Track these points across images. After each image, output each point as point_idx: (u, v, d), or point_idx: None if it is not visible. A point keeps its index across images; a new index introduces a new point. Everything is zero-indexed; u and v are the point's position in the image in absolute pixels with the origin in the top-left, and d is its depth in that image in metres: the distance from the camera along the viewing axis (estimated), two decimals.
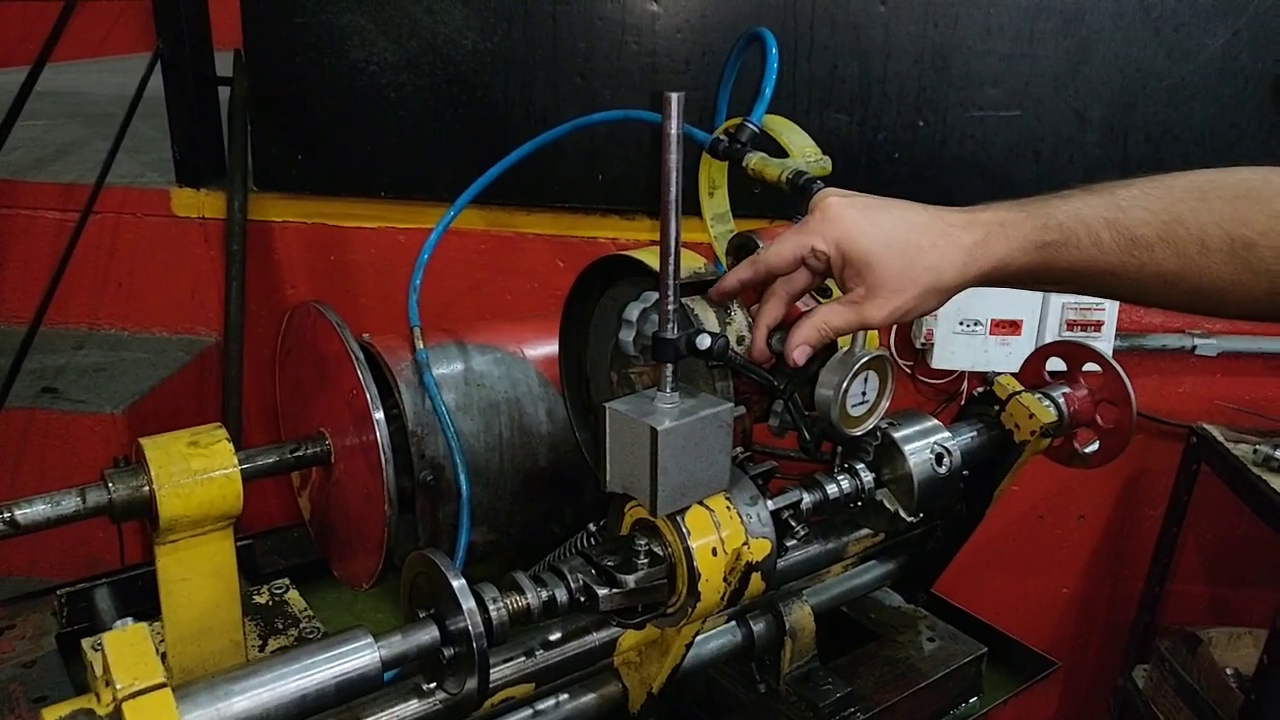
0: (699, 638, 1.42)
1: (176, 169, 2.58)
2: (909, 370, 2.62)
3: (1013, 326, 2.51)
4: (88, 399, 2.35)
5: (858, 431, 1.32)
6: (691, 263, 1.53)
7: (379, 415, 1.23)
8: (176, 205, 2.61)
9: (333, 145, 2.58)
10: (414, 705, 1.08)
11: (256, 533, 1.84)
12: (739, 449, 1.28)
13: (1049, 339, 2.53)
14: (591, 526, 1.18)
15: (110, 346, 2.58)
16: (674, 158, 1.04)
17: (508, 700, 1.16)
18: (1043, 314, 2.52)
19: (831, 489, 1.32)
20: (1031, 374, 1.68)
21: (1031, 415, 1.47)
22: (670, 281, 1.09)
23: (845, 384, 1.26)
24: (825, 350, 1.24)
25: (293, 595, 1.55)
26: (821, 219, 1.14)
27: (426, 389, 1.69)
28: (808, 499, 1.29)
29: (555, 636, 1.20)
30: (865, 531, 1.50)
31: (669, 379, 1.12)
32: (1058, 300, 2.50)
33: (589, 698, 1.32)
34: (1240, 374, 2.66)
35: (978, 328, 2.51)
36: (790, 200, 1.41)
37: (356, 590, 1.42)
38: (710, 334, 1.11)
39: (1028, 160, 2.50)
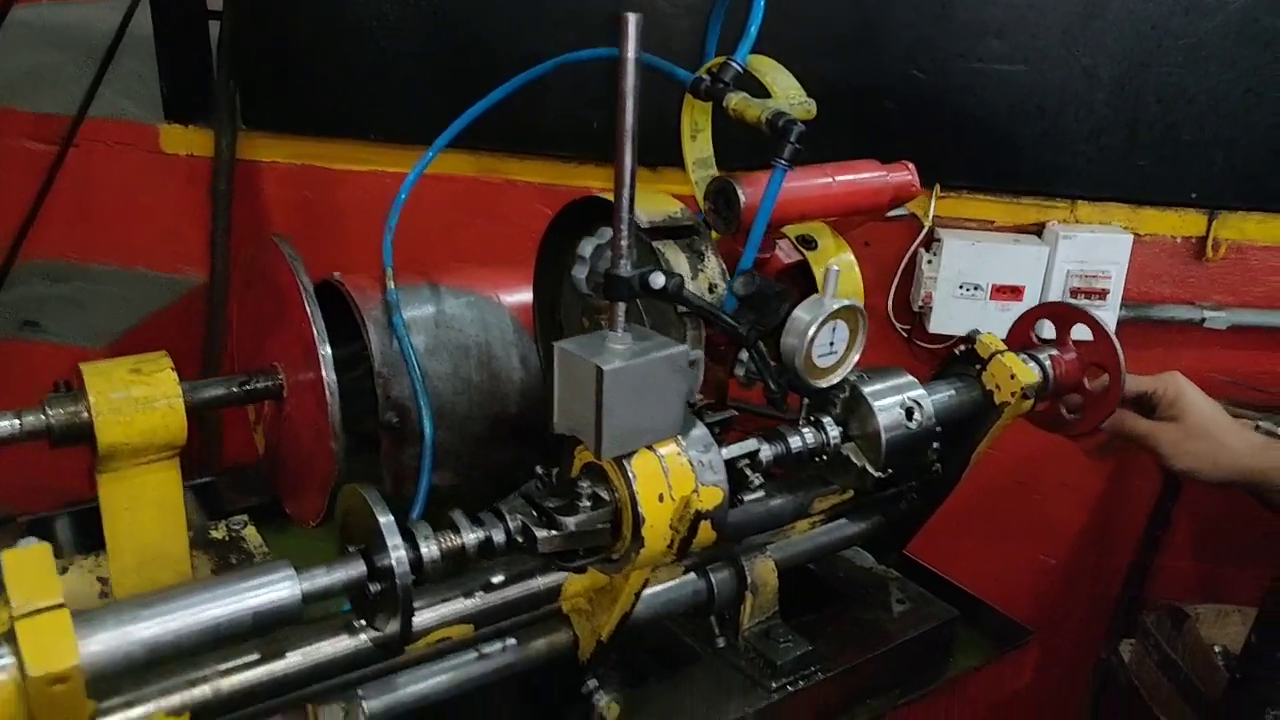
0: (658, 588, 1.39)
1: (165, 105, 2.54)
2: (906, 333, 2.57)
3: (1014, 291, 2.45)
4: (70, 333, 2.33)
5: (824, 383, 1.28)
6: (665, 206, 1.48)
7: (325, 350, 1.20)
8: (165, 141, 2.57)
9: (322, 85, 2.53)
10: (344, 641, 1.05)
11: (224, 468, 1.82)
12: (699, 397, 1.24)
13: None
14: (539, 469, 1.14)
15: (93, 281, 2.56)
16: (630, 82, 0.99)
17: (445, 640, 1.13)
18: (1046, 278, 2.46)
19: (795, 441, 1.28)
20: (1020, 337, 1.63)
21: (1013, 375, 1.42)
22: (624, 214, 1.04)
23: (812, 332, 1.22)
24: (793, 296, 1.19)
25: (250, 532, 1.52)
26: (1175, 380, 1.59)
27: (394, 330, 1.65)
28: (767, 450, 1.25)
29: (498, 579, 1.16)
30: (834, 488, 1.46)
31: (620, 318, 1.08)
32: (1062, 265, 2.44)
33: (539, 643, 1.29)
34: (1248, 347, 2.59)
35: (978, 292, 2.45)
36: (769, 142, 1.35)
37: (305, 527, 1.39)
38: (665, 273, 1.07)
39: (1031, 118, 2.42)
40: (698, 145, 1.60)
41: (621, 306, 1.07)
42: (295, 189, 2.60)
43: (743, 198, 1.37)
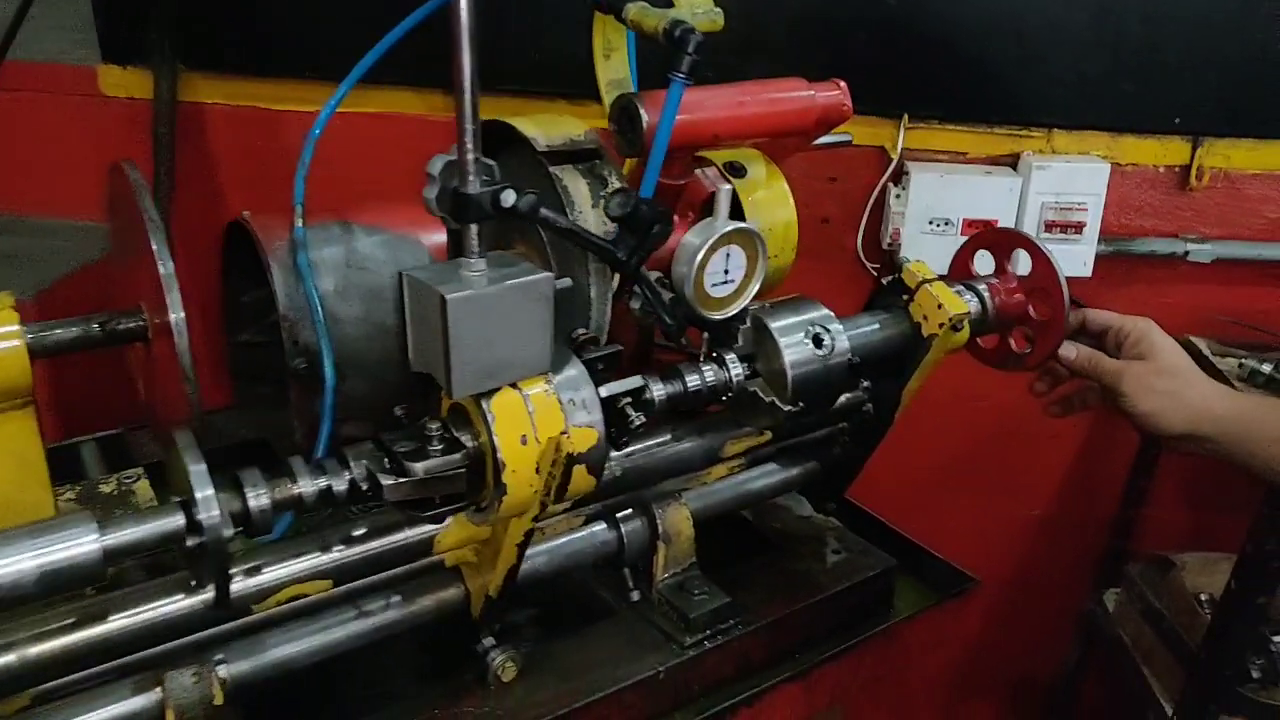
0: (560, 539, 1.31)
1: (101, 44, 2.43)
2: (875, 272, 2.45)
3: (987, 226, 2.32)
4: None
5: (720, 315, 1.18)
6: (566, 128, 1.38)
7: (174, 294, 1.10)
8: (104, 83, 2.46)
9: (265, 20, 2.42)
10: (180, 601, 0.97)
11: (133, 423, 1.75)
12: (580, 332, 1.15)
13: None
14: (398, 410, 1.05)
15: (30, 233, 2.47)
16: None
17: (300, 597, 1.05)
18: (1020, 212, 2.33)
19: (692, 379, 1.18)
20: (960, 269, 1.52)
21: (940, 305, 1.31)
22: (466, 124, 0.94)
23: (700, 257, 1.12)
24: (676, 221, 1.09)
25: (142, 485, 1.45)
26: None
27: (299, 270, 1.57)
28: (659, 389, 1.15)
29: (359, 531, 1.08)
30: (748, 430, 1.36)
31: (474, 242, 0.98)
32: (1036, 197, 2.30)
33: (426, 600, 1.21)
34: (1236, 283, 2.46)
35: (948, 227, 2.32)
36: (666, 53, 1.24)
37: None
38: (516, 189, 0.96)
39: (1008, 42, 2.27)
40: (611, 65, 1.49)
41: (474, 229, 0.98)
42: (241, 132, 2.49)
43: (645, 116, 1.26)
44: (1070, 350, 1.44)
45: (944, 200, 2.30)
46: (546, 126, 1.36)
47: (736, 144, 1.47)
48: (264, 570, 1.02)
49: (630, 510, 1.34)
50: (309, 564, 1.05)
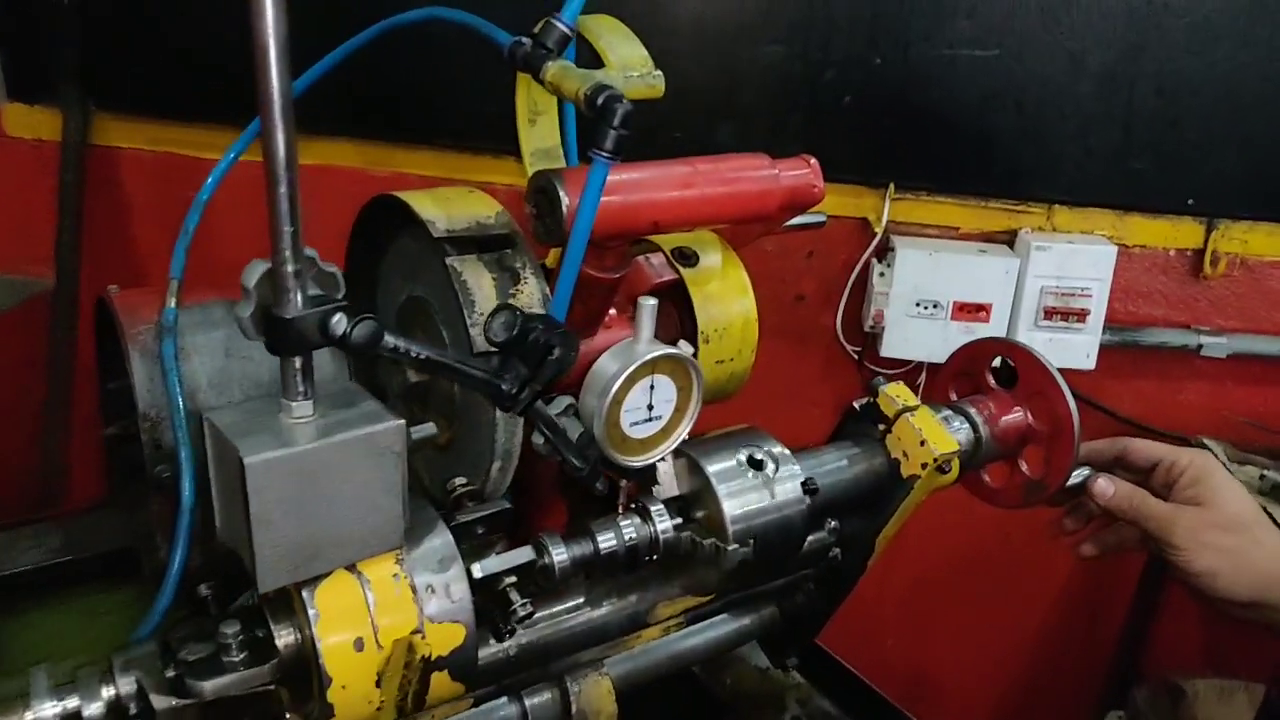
0: (465, 714, 1.04)
1: (7, 81, 2.20)
2: (856, 356, 2.21)
3: (979, 311, 2.09)
4: None
5: (641, 461, 0.93)
6: (474, 208, 1.14)
7: None
8: (9, 123, 2.23)
9: (183, 62, 2.19)
10: None
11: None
12: (460, 481, 0.90)
13: (1023, 329, 2.11)
14: (203, 588, 0.79)
15: None
16: (270, 15, 0.64)
17: None
18: (1016, 296, 2.10)
19: (606, 539, 0.92)
20: (948, 385, 1.28)
21: (924, 442, 1.06)
22: (284, 226, 0.69)
23: (614, 390, 0.87)
24: (572, 342, 0.83)
25: None
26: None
27: (163, 360, 1.32)
28: (561, 554, 0.89)
29: None
30: (682, 590, 1.10)
31: (297, 379, 0.73)
32: (1035, 280, 2.07)
33: None
34: (1255, 381, 2.22)
35: (938, 310, 2.09)
36: (590, 125, 1.00)
37: None
38: (351, 312, 0.71)
39: (1007, 111, 2.06)
40: (538, 132, 1.26)
41: (296, 363, 0.72)
42: (157, 180, 2.26)
43: (564, 199, 1.02)
44: (1107, 486, 1.19)
45: (933, 280, 2.06)
46: (449, 205, 1.12)
47: (687, 230, 1.22)
48: None
49: (539, 684, 1.08)
50: None
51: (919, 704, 2.56)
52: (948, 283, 2.06)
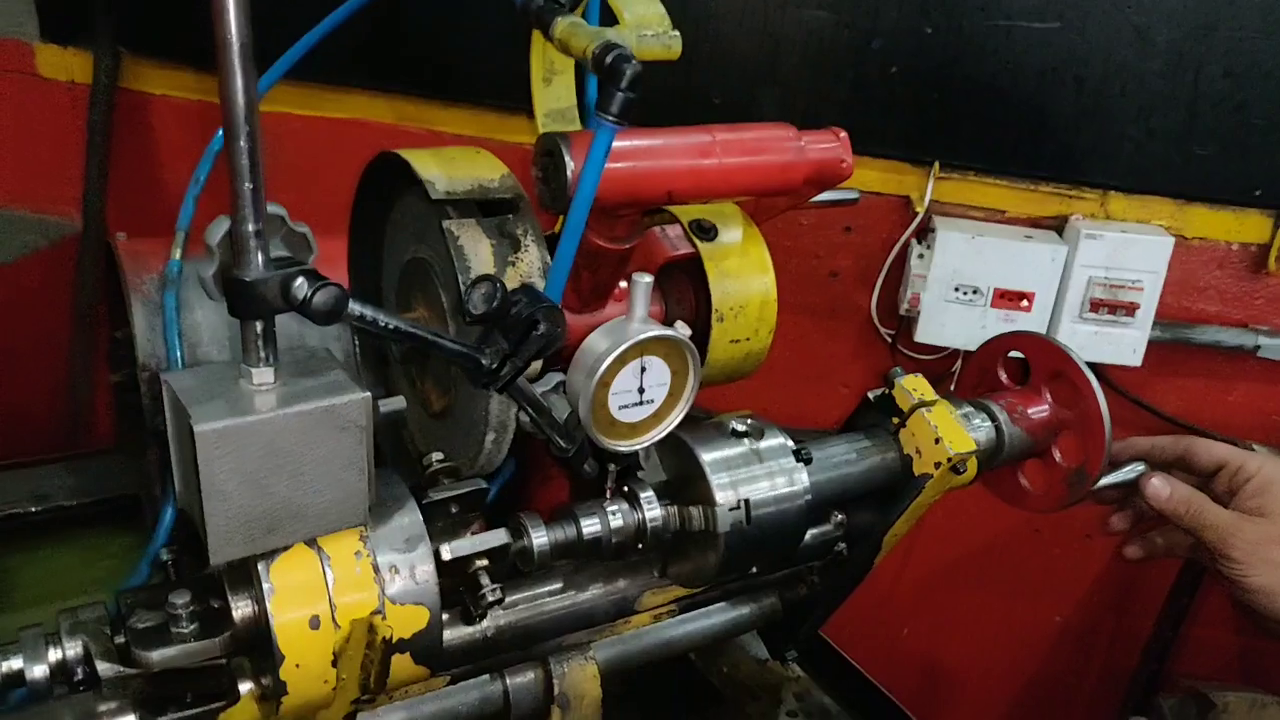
0: (430, 696, 1.01)
1: (40, 20, 2.19)
2: (889, 340, 2.13)
3: (1021, 298, 2.00)
4: None
5: (629, 446, 0.88)
6: (477, 170, 1.09)
7: None
8: (41, 64, 2.22)
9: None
10: None
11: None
12: (435, 457, 0.86)
13: (1066, 320, 2.02)
14: (164, 552, 0.77)
15: None
16: None
17: None
18: (1062, 285, 2.00)
19: (590, 524, 0.88)
20: (975, 377, 1.21)
21: (938, 440, 1.00)
22: (244, 183, 0.65)
23: (602, 370, 0.82)
24: (555, 317, 0.79)
25: None
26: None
27: (164, 312, 1.30)
28: (541, 538, 0.85)
29: (107, 707, 0.79)
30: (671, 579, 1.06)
31: (258, 344, 0.69)
32: (1083, 269, 1.98)
33: None
34: None
35: (976, 297, 2.00)
36: (601, 85, 0.95)
37: None
38: (308, 273, 0.67)
39: (1066, 88, 1.95)
40: (553, 92, 1.20)
41: (257, 327, 0.69)
42: (185, 127, 2.24)
43: (570, 164, 0.97)
44: (1162, 487, 1.12)
45: (974, 265, 1.98)
46: (452, 165, 1.07)
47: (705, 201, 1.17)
48: None
49: (523, 664, 1.05)
50: None
51: (931, 701, 2.51)
52: (989, 268, 1.98)
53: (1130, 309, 1.98)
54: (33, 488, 1.57)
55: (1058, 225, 2.03)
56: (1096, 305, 1.97)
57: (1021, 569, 2.38)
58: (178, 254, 1.34)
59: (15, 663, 0.68)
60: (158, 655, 0.68)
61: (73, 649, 0.69)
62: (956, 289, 2.00)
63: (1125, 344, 2.00)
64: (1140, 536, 1.22)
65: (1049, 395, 1.11)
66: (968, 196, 2.03)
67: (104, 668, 0.68)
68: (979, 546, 2.37)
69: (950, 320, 2.01)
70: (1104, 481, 1.12)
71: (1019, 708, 2.49)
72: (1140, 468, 1.16)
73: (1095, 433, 1.07)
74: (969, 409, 1.08)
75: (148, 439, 1.35)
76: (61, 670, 0.69)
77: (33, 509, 1.49)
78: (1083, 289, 1.98)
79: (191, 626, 0.70)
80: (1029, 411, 1.11)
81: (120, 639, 0.70)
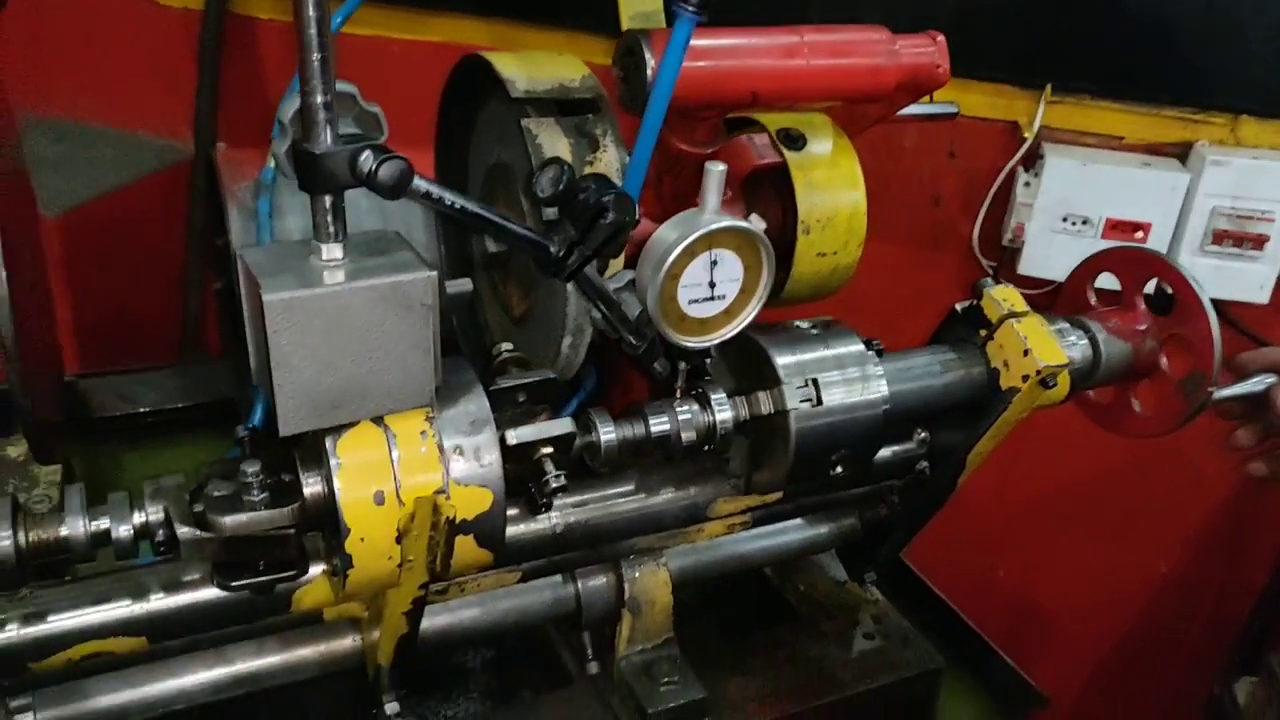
0: (504, 592, 1.03)
1: None
2: (991, 272, 2.06)
3: (1135, 229, 1.90)
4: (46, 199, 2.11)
5: (699, 342, 0.86)
6: (559, 70, 1.08)
7: None
8: None
9: None
10: None
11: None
12: (503, 347, 0.86)
13: (1186, 253, 1.91)
14: (241, 429, 0.79)
15: (86, 143, 2.33)
16: None
17: (103, 656, 0.81)
18: (1182, 216, 1.89)
19: (659, 422, 0.88)
20: (1073, 295, 1.16)
21: (1028, 352, 0.96)
22: (312, 56, 0.65)
23: (670, 261, 0.80)
24: (626, 204, 0.77)
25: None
26: None
27: (258, 216, 1.33)
28: (609, 433, 0.85)
29: (192, 576, 0.83)
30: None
31: (328, 219, 0.70)
32: (1206, 198, 1.87)
33: (305, 651, 0.96)
34: None
35: (1085, 227, 1.91)
36: None
37: None
38: (375, 147, 0.67)
39: (1194, 3, 1.83)
40: None
41: (326, 201, 0.69)
42: (291, 50, 2.27)
43: (649, 60, 0.95)
44: None
45: (1084, 193, 1.88)
46: (534, 66, 1.07)
47: (789, 107, 1.13)
48: (49, 619, 0.79)
49: (595, 566, 1.06)
50: (117, 614, 0.80)
51: (1021, 643, 2.44)
52: (1101, 197, 1.88)
53: (1259, 241, 1.86)
54: (145, 391, 1.65)
55: (1180, 152, 1.92)
56: (1220, 237, 1.86)
57: (1126, 512, 2.29)
58: (271, 162, 1.38)
59: (103, 523, 0.72)
60: (230, 520, 0.70)
61: (155, 513, 0.73)
62: (1065, 219, 1.91)
63: (1252, 279, 1.89)
64: (1267, 453, 1.15)
65: (1145, 307, 1.05)
66: (1081, 122, 1.93)
67: (182, 531, 0.71)
68: (1080, 487, 2.28)
69: (1056, 252, 1.92)
70: (1227, 392, 1.06)
71: (1116, 657, 2.42)
72: (1270, 379, 1.09)
73: (1201, 332, 1.01)
74: (1063, 324, 1.03)
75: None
76: (144, 531, 0.72)
77: (142, 409, 1.57)
78: (1205, 219, 1.87)
79: (262, 495, 0.72)
80: (1126, 325, 1.05)
81: (198, 506, 0.72)
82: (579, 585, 1.06)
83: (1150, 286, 1.09)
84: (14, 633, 0.78)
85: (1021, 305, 0.99)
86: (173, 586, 0.82)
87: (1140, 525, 2.32)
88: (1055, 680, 2.20)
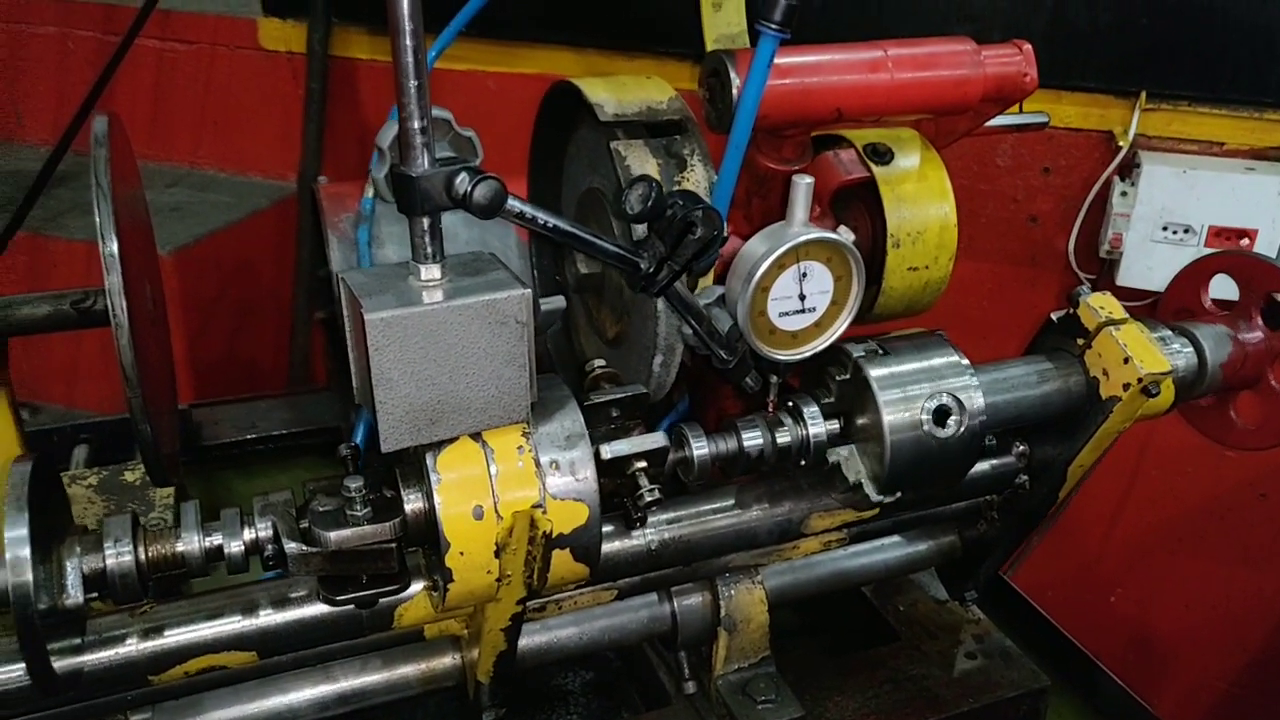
0: (602, 610, 1.04)
1: None
2: (1090, 284, 2.00)
3: (1241, 237, 1.83)
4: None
5: (789, 355, 0.87)
6: (647, 93, 1.10)
7: (114, 277, 0.90)
8: (264, 37, 2.40)
9: None
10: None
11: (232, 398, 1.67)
12: (596, 364, 0.87)
13: None
14: (344, 447, 0.82)
15: (200, 187, 2.46)
16: None
17: (216, 671, 0.84)
18: None
19: (751, 437, 0.88)
20: (1178, 300, 1.12)
21: (1128, 359, 0.93)
22: (409, 82, 0.68)
23: (760, 274, 0.81)
24: (714, 220, 0.78)
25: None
26: None
27: (358, 246, 1.38)
28: (702, 448, 0.86)
29: (299, 594, 0.86)
30: (840, 502, 1.03)
31: (425, 240, 0.73)
32: None
33: (406, 669, 0.98)
34: None
35: (1188, 236, 1.85)
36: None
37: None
38: (470, 169, 0.70)
39: None
40: (723, 17, 1.18)
41: (424, 223, 0.72)
42: (389, 90, 2.36)
43: (735, 80, 0.96)
44: None
45: (1184, 201, 1.83)
46: (622, 90, 1.08)
47: (875, 122, 1.13)
48: (166, 633, 0.82)
49: (691, 584, 1.06)
50: (229, 630, 0.84)
51: (1138, 671, 2.34)
52: (1203, 204, 1.82)
53: None
54: (254, 419, 1.71)
55: None
56: None
57: (1246, 537, 2.19)
58: (370, 193, 1.43)
59: (216, 539, 0.75)
60: (335, 535, 0.73)
61: (264, 529, 0.76)
62: (1165, 228, 1.85)
63: None
64: None
65: (1262, 319, 1.02)
66: (1178, 129, 1.87)
67: (290, 546, 0.74)
68: (1198, 511, 2.19)
69: (1157, 262, 1.87)
70: None
71: (1236, 686, 2.30)
72: None
73: None
74: (1166, 332, 1.00)
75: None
76: (254, 547, 0.75)
77: (251, 436, 1.63)
78: None
79: (365, 510, 0.75)
80: (1239, 336, 1.02)
81: (304, 522, 0.75)
82: (674, 604, 1.06)
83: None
84: (134, 646, 0.81)
85: (1120, 312, 0.96)
86: (281, 602, 0.85)
87: (1261, 552, 2.21)
88: (1171, 710, 2.11)
